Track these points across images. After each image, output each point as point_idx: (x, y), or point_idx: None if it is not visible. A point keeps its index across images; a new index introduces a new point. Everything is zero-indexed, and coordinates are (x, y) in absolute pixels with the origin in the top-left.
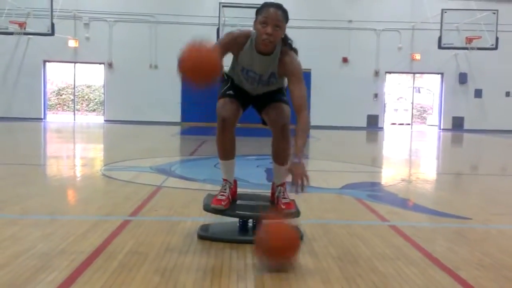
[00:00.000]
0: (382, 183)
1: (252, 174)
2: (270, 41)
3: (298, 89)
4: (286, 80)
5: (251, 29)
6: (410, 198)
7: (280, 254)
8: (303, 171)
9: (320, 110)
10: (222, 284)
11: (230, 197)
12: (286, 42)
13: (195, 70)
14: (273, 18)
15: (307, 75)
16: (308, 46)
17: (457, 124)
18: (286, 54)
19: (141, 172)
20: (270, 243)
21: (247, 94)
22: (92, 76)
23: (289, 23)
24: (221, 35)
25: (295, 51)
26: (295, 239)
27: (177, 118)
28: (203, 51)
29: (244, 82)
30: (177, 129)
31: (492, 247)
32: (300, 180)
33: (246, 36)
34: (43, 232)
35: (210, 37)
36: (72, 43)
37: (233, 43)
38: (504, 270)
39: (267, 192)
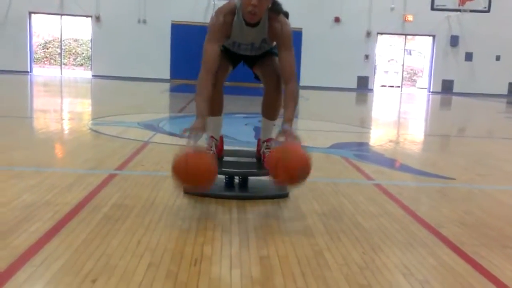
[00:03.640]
0: (369, 143)
1: (240, 132)
2: (255, 12)
3: (287, 57)
4: None
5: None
6: (396, 158)
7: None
8: (294, 135)
9: (310, 70)
10: (207, 237)
11: (216, 155)
12: (274, 8)
13: (193, 182)
14: None
15: (298, 35)
16: (300, 5)
17: (447, 87)
18: (276, 20)
19: (128, 128)
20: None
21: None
22: (79, 29)
23: None
24: None
25: (286, 14)
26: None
27: (166, 75)
28: (200, 167)
29: (236, 51)
30: (166, 86)
31: (474, 206)
32: (292, 139)
33: (231, 11)
34: (27, 183)
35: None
36: None
37: (224, 26)
38: (485, 228)
39: (254, 149)
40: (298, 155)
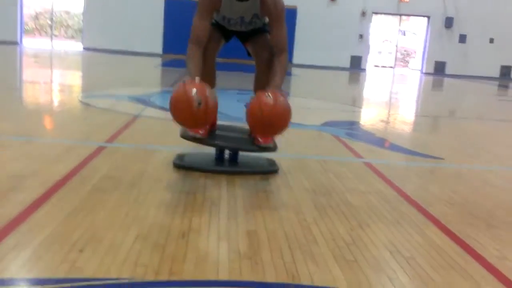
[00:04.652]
0: (360, 122)
1: (232, 108)
2: None
3: (279, 32)
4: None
5: None
6: (386, 137)
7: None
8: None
9: (304, 49)
10: (195, 210)
11: (208, 126)
12: None
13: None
14: None
15: (293, 12)
16: None
17: (439, 68)
18: None
19: (119, 101)
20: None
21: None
22: (71, 1)
23: None
24: None
25: None
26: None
27: (159, 50)
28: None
29: (226, 26)
30: (159, 60)
31: (462, 186)
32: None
33: None
34: (15, 153)
35: None
36: None
37: (213, 2)
38: (472, 207)
39: (246, 125)
40: (279, 107)
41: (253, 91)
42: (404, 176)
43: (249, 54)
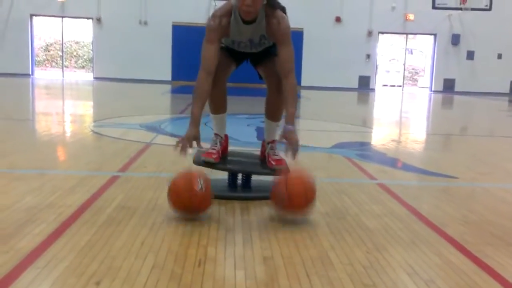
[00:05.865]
0: (371, 142)
1: (243, 132)
2: (250, 11)
3: (286, 52)
4: None
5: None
6: (398, 157)
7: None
8: (296, 138)
9: (311, 71)
10: (211, 238)
11: (220, 151)
12: (270, 3)
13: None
14: None
15: (299, 34)
16: (301, 5)
17: (448, 86)
18: (273, 16)
19: (130, 129)
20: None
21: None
22: (80, 32)
23: None
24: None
25: (282, 9)
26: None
27: (168, 77)
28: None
29: (236, 49)
30: (168, 87)
31: (477, 204)
32: (293, 147)
33: (228, 12)
34: (30, 186)
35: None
36: None
37: (220, 28)
38: (489, 226)
39: (257, 150)
40: (303, 188)
41: (264, 116)
42: (418, 196)
43: (260, 78)
